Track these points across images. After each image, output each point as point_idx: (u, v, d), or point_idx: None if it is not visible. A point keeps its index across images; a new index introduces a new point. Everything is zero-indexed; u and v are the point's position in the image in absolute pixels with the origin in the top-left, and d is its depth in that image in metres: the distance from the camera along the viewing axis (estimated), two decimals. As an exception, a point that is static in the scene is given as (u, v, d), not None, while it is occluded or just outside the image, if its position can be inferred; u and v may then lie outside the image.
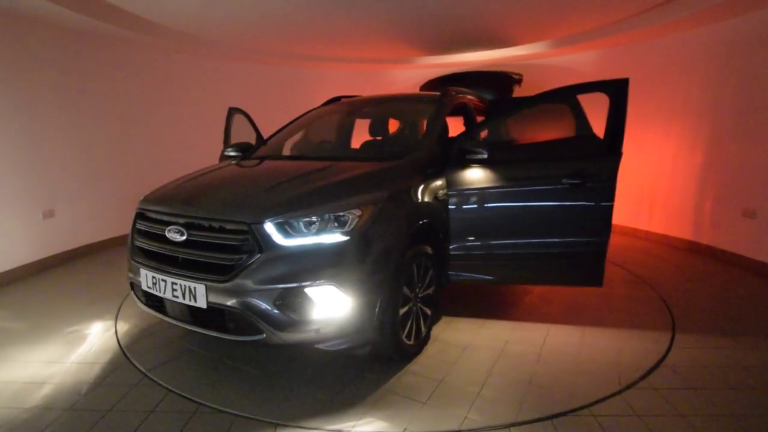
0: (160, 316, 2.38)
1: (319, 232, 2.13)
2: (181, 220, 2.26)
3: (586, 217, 2.92)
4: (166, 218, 2.32)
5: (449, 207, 2.94)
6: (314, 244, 2.11)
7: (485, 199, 2.98)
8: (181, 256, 2.23)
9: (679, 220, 5.29)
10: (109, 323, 3.12)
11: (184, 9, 4.30)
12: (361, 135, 3.63)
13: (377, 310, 2.25)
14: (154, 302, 2.39)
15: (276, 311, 2.05)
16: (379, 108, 3.81)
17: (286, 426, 2.00)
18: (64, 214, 4.56)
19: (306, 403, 2.21)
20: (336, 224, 2.16)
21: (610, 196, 2.84)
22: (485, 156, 2.83)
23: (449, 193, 2.93)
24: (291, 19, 4.73)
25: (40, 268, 4.29)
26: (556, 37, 5.59)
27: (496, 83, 5.68)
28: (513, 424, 2.04)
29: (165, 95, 5.80)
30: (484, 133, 3.12)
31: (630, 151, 5.86)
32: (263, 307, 2.05)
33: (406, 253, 2.44)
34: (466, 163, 2.93)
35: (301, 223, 2.12)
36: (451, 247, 3.02)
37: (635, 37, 5.25)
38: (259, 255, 2.05)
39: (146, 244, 2.40)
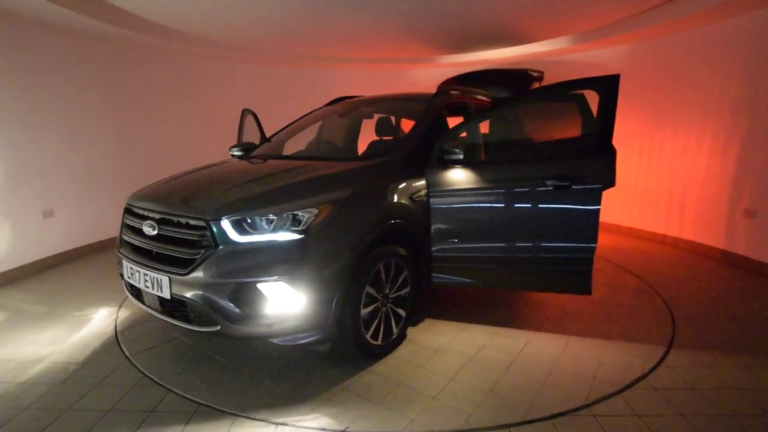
0: (139, 304, 2.55)
1: (275, 229, 2.20)
2: (156, 216, 2.40)
3: (571, 222, 2.79)
4: (144, 213, 2.48)
5: (432, 208, 2.92)
6: (268, 242, 2.18)
7: (465, 200, 2.92)
8: (153, 249, 2.38)
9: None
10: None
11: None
12: (368, 136, 3.67)
13: (333, 307, 2.28)
14: (134, 292, 2.57)
15: (230, 305, 2.14)
16: (371, 108, 3.83)
17: (286, 426, 2.03)
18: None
19: (264, 395, 2.28)
20: (292, 223, 2.22)
21: (597, 199, 2.70)
22: (461, 156, 2.78)
23: (431, 193, 2.91)
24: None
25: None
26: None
27: (514, 81, 5.50)
28: (513, 424, 2.04)
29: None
30: (465, 133, 3.05)
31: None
32: (218, 300, 2.14)
33: (369, 252, 2.45)
34: (445, 164, 2.89)
35: (256, 221, 2.20)
36: (433, 248, 2.99)
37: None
38: (215, 250, 2.15)
39: (129, 238, 2.58)
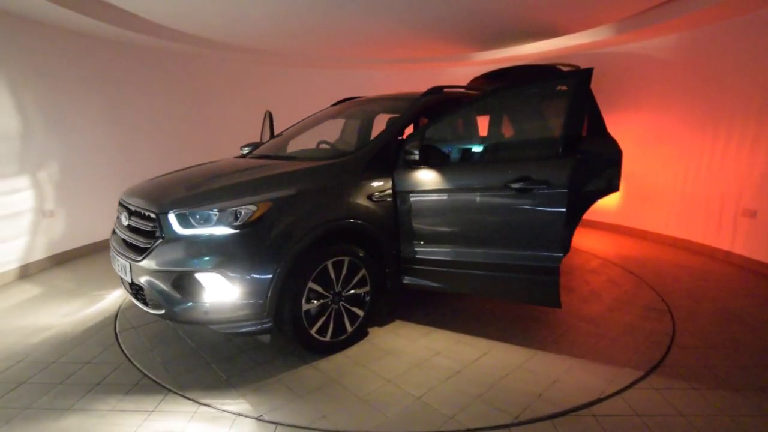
0: (123, 287, 2.86)
1: (215, 224, 2.35)
2: (132, 208, 2.69)
3: (535, 228, 2.61)
4: (126, 205, 2.79)
5: (398, 209, 2.90)
6: (207, 235, 2.34)
7: (427, 202, 2.87)
8: (126, 238, 2.67)
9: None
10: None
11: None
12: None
13: (267, 300, 2.37)
14: (120, 277, 2.89)
15: (172, 291, 2.34)
16: (363, 108, 3.86)
17: (286, 425, 2.06)
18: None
19: (205, 377, 2.46)
20: (231, 218, 2.36)
21: (562, 204, 2.49)
22: (416, 158, 2.73)
23: (396, 194, 2.89)
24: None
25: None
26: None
27: (536, 78, 5.17)
28: (513, 424, 2.05)
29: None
30: (431, 133, 2.96)
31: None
32: (162, 286, 2.35)
33: (313, 249, 2.51)
34: (409, 165, 2.85)
35: (198, 216, 2.37)
36: (401, 250, 2.97)
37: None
38: (161, 240, 2.37)
39: (115, 227, 2.91)
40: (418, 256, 2.96)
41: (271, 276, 2.36)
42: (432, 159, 2.77)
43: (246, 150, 3.87)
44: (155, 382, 2.20)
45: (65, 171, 4.56)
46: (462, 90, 3.70)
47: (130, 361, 2.63)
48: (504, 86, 2.88)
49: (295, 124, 4.08)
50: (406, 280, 3.05)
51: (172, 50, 5.64)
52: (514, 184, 2.59)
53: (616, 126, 5.92)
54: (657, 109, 5.44)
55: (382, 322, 3.15)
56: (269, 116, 4.77)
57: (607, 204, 5.99)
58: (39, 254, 4.34)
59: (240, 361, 2.63)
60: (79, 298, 3.62)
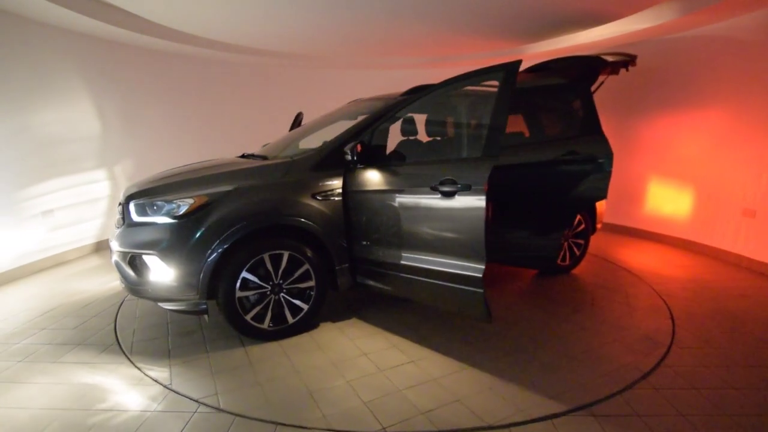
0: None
1: (161, 214, 2.70)
2: (123, 199, 3.20)
3: (459, 235, 2.45)
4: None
5: (347, 208, 2.95)
6: (153, 223, 2.70)
7: (368, 203, 2.88)
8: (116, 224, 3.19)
9: None
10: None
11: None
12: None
13: (199, 284, 2.64)
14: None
15: (128, 269, 2.76)
16: (358, 108, 3.93)
17: (286, 426, 2.08)
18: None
19: (155, 346, 2.83)
20: (172, 209, 2.68)
21: (480, 210, 2.31)
22: (348, 158, 2.74)
23: (345, 193, 2.95)
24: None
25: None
26: None
27: (580, 69, 4.64)
28: (513, 424, 2.07)
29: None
30: (370, 134, 2.93)
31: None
32: (122, 264, 2.78)
33: (247, 242, 2.71)
34: (351, 165, 2.89)
35: (149, 206, 2.73)
36: (352, 249, 3.02)
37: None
38: (124, 226, 2.80)
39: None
40: (364, 256, 2.98)
41: (202, 262, 2.63)
42: (363, 159, 2.77)
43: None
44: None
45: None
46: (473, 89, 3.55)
47: (115, 326, 3.15)
48: (438, 83, 2.72)
49: (301, 125, 4.34)
50: (359, 279, 3.08)
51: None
52: (439, 187, 2.46)
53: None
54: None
55: (337, 318, 3.23)
56: (297, 117, 5.11)
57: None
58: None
59: (193, 337, 2.96)
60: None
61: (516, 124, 3.50)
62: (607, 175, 3.11)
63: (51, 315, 3.33)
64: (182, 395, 2.31)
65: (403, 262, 2.76)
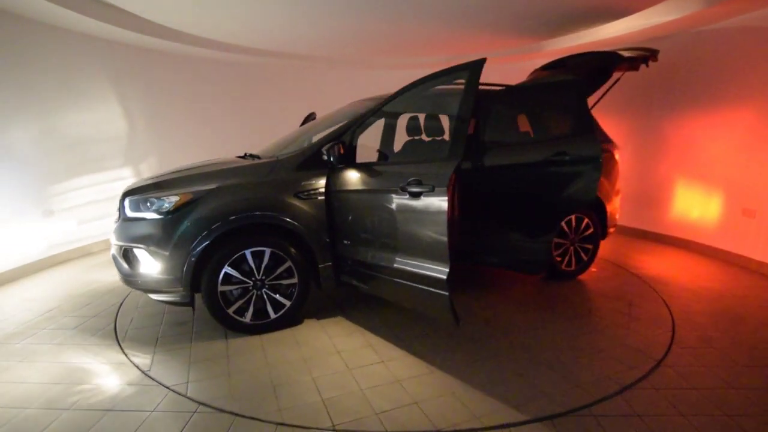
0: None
1: (149, 210, 2.85)
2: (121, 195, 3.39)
3: (423, 236, 2.43)
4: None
5: (330, 207, 2.99)
6: (142, 218, 2.85)
7: (348, 203, 2.92)
8: (120, 218, 3.40)
9: None
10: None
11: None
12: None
13: (183, 277, 2.77)
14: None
15: (122, 260, 2.94)
16: (354, 109, 3.95)
17: (286, 426, 2.09)
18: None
19: (146, 335, 2.99)
20: (159, 206, 2.82)
21: (442, 211, 2.28)
22: (323, 158, 2.77)
23: (328, 192, 2.98)
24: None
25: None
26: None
27: (595, 66, 4.43)
28: (513, 424, 2.07)
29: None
30: (350, 134, 2.95)
31: None
32: (117, 256, 2.97)
33: (228, 238, 2.81)
34: (330, 165, 2.93)
35: (140, 202, 2.89)
36: (336, 248, 3.05)
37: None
38: (120, 220, 2.98)
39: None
40: (346, 256, 3.01)
41: (186, 256, 2.76)
42: (344, 159, 2.79)
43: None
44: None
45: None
46: (442, 88, 3.51)
47: (117, 313, 3.36)
48: (407, 85, 2.69)
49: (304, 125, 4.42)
50: (344, 278, 3.12)
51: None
52: (407, 188, 2.45)
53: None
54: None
55: (322, 315, 3.28)
56: (309, 117, 5.21)
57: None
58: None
59: (184, 327, 3.11)
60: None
61: (506, 125, 3.41)
62: (595, 176, 2.96)
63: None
64: (156, 381, 2.44)
65: (378, 262, 2.77)
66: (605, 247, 5.01)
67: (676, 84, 5.03)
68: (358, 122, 2.95)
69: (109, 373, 2.53)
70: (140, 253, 2.83)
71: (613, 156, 4.19)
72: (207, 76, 6.36)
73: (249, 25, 4.86)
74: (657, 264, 4.50)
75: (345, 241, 2.99)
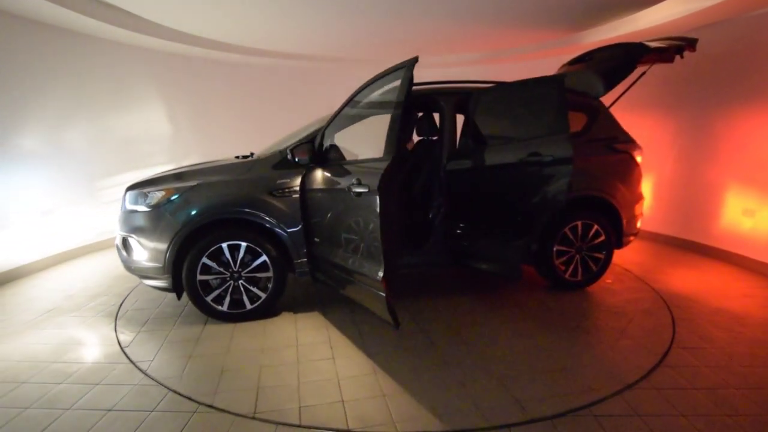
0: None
1: (141, 203, 3.15)
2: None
3: (363, 236, 2.43)
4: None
5: (303, 204, 3.09)
6: (135, 210, 3.16)
7: (313, 201, 2.99)
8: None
9: None
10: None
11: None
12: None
13: (165, 265, 3.03)
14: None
15: (122, 247, 3.28)
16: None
17: (286, 426, 2.11)
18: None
19: (138, 319, 3.29)
20: (147, 200, 3.11)
21: (374, 212, 2.27)
22: (289, 158, 2.86)
23: (301, 191, 3.08)
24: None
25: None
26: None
27: (619, 58, 4.04)
28: (513, 424, 2.08)
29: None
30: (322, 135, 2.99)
31: None
32: (119, 245, 3.32)
33: (208, 231, 3.01)
34: (308, 165, 3.02)
35: (135, 197, 3.20)
36: (309, 246, 3.14)
37: None
38: (122, 212, 3.33)
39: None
40: (316, 253, 3.08)
41: (166, 246, 3.01)
42: (302, 160, 2.86)
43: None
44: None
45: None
46: (433, 86, 3.44)
47: (124, 298, 3.74)
48: (361, 86, 2.67)
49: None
50: (319, 275, 3.20)
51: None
52: (352, 188, 2.46)
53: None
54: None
55: (300, 310, 3.38)
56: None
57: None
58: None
59: (175, 311, 3.40)
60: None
61: (482, 126, 3.24)
62: (564, 179, 2.68)
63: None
64: (128, 358, 2.70)
65: (341, 261, 2.80)
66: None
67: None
68: (327, 124, 3.01)
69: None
70: (133, 242, 3.15)
71: (633, 158, 3.80)
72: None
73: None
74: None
75: (316, 239, 3.06)
